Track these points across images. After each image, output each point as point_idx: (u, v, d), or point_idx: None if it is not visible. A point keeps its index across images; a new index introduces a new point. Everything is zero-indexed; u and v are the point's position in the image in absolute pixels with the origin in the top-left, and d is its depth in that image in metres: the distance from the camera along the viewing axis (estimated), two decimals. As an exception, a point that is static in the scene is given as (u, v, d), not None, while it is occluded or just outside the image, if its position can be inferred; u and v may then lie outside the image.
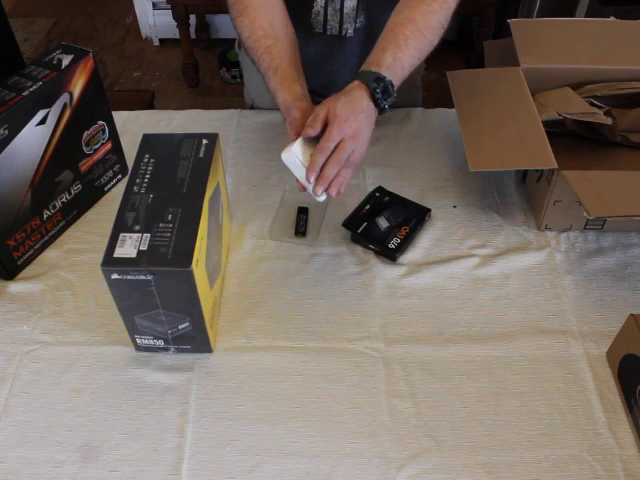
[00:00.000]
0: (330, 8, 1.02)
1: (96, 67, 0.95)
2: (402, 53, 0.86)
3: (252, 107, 1.29)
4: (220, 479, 0.74)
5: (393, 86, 0.85)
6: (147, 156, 0.86)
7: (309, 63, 1.13)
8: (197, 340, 0.83)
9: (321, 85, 1.19)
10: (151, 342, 0.83)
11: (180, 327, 0.80)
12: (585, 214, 0.83)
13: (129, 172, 0.86)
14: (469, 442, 0.76)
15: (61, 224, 1.00)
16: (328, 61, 1.12)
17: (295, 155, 0.81)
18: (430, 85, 1.14)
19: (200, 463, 0.75)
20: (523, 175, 1.08)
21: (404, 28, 0.88)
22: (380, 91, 0.83)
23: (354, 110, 0.81)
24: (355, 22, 1.03)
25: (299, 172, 0.82)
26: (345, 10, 1.02)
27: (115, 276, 0.72)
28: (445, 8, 0.93)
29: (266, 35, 0.93)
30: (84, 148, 0.99)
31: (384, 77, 0.83)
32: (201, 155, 0.86)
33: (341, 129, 0.79)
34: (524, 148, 0.93)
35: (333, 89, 1.17)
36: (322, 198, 0.82)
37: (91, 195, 1.05)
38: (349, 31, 1.05)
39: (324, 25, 1.04)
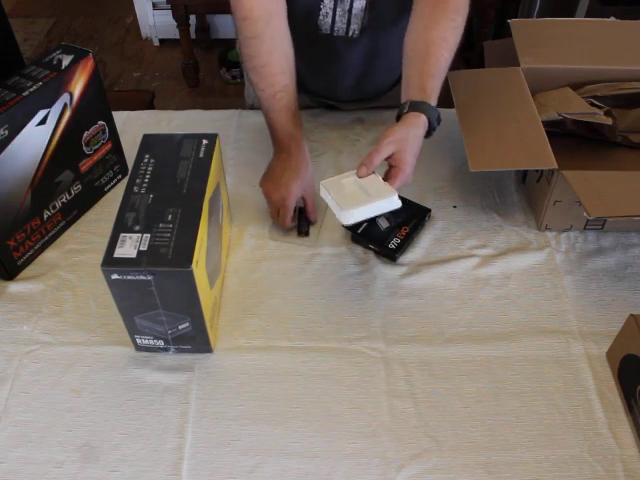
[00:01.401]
0: (339, 9, 1.02)
1: (96, 67, 0.95)
2: (442, 77, 0.91)
3: (252, 107, 1.29)
4: (220, 479, 0.74)
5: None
6: (147, 156, 0.86)
7: (314, 64, 1.13)
8: (197, 340, 0.83)
9: (324, 85, 1.19)
10: (151, 342, 0.83)
11: (180, 327, 0.80)
12: (585, 214, 0.83)
13: (129, 172, 0.86)
14: (469, 442, 0.76)
15: (61, 224, 1.00)
16: (333, 62, 1.12)
17: (352, 209, 0.83)
18: (430, 85, 1.13)
19: (200, 463, 0.75)
20: (523, 175, 1.08)
21: (441, 49, 0.91)
22: (436, 127, 0.90)
23: (416, 154, 0.87)
24: (362, 23, 1.03)
25: (367, 213, 0.84)
26: (354, 11, 1.02)
27: (115, 276, 0.72)
28: (465, 21, 0.96)
29: (283, 72, 0.96)
30: (84, 148, 0.99)
31: (439, 112, 0.89)
32: (201, 155, 0.86)
33: (405, 180, 0.86)
34: (524, 148, 0.93)
35: (335, 89, 1.18)
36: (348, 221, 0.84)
37: (91, 195, 1.05)
38: (355, 32, 1.05)
39: (331, 26, 1.04)
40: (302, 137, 0.98)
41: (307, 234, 0.99)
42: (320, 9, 1.03)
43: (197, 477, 0.74)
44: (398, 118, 0.89)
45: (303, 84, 1.20)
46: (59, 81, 0.90)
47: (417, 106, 0.87)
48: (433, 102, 0.88)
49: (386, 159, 0.86)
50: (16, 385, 0.82)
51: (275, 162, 0.98)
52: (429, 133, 0.89)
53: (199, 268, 0.75)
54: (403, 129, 0.86)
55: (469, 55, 2.56)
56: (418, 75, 0.90)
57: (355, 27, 1.04)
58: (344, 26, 1.04)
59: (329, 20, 1.04)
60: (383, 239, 0.96)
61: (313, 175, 0.98)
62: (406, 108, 0.87)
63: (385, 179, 0.85)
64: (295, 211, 0.99)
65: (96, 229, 1.02)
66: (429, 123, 0.88)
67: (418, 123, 0.86)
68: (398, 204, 0.83)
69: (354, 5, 1.01)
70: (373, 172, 0.85)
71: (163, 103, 2.43)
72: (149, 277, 0.72)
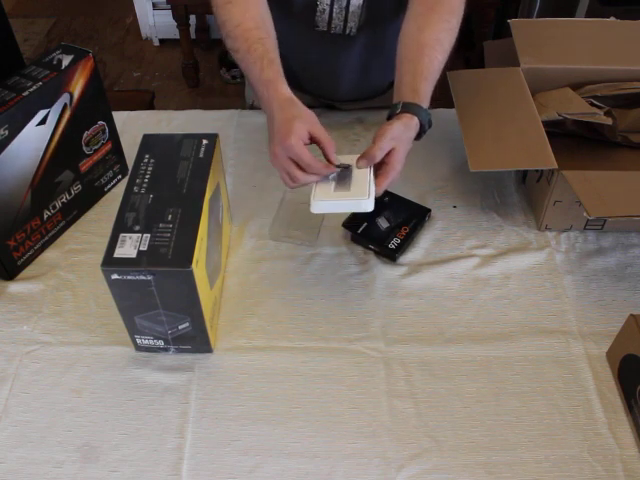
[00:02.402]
0: (336, 6, 1.02)
1: (96, 67, 0.95)
2: (435, 79, 0.90)
3: (252, 107, 1.29)
4: (220, 479, 0.74)
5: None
6: (147, 156, 0.86)
7: (311, 62, 1.13)
8: (197, 340, 0.83)
9: (322, 84, 1.19)
10: (151, 342, 0.83)
11: (180, 327, 0.80)
12: (585, 214, 0.83)
13: (129, 172, 0.86)
14: (469, 442, 0.76)
15: (61, 224, 1.00)
16: (330, 60, 1.12)
17: (321, 202, 0.82)
18: (430, 85, 1.13)
19: (200, 463, 0.75)
20: (523, 175, 1.08)
21: (435, 51, 0.90)
22: (427, 130, 0.89)
23: (406, 154, 0.86)
24: (359, 21, 1.03)
25: (335, 208, 0.84)
26: (351, 8, 1.02)
27: (115, 276, 0.72)
28: (459, 23, 0.95)
29: (258, 27, 0.91)
30: (84, 148, 0.99)
31: (430, 115, 0.88)
32: (201, 155, 0.86)
33: (395, 178, 0.84)
34: (524, 148, 0.93)
35: (333, 88, 1.18)
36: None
37: (91, 195, 1.05)
38: (353, 30, 1.05)
39: (329, 23, 1.04)
40: (283, 83, 0.86)
41: (349, 188, 0.83)
42: (317, 6, 1.03)
43: (197, 477, 0.74)
44: (389, 118, 0.88)
45: (302, 83, 1.20)
46: (59, 81, 0.90)
47: (410, 108, 0.86)
48: (425, 105, 0.88)
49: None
50: (16, 385, 0.82)
51: (268, 125, 0.86)
52: (419, 136, 0.89)
53: (199, 268, 0.75)
54: (401, 127, 0.85)
55: (469, 55, 2.56)
56: (411, 76, 0.89)
57: (352, 24, 1.04)
58: (341, 23, 1.04)
59: (326, 17, 1.04)
60: (383, 239, 0.96)
61: (313, 113, 0.85)
62: (399, 108, 0.87)
63: (376, 176, 0.84)
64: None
65: (96, 229, 1.02)
66: (420, 126, 0.87)
67: (411, 125, 0.86)
68: (368, 208, 0.81)
69: (351, 2, 1.01)
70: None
71: (163, 103, 2.43)
72: (149, 277, 0.72)
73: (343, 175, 0.84)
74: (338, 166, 0.84)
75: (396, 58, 0.93)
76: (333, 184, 0.84)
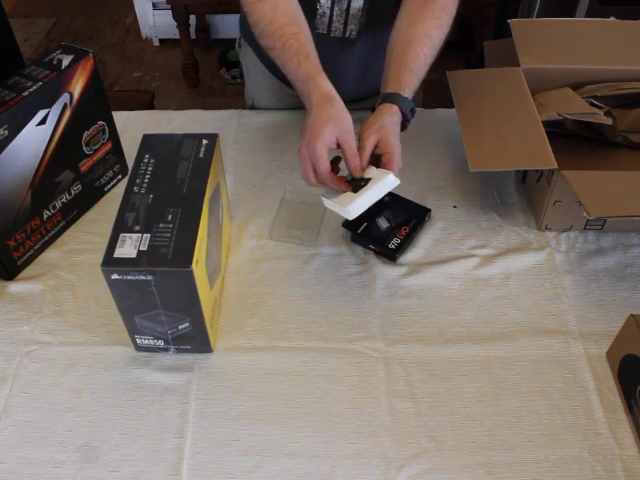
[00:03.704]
0: (337, 8, 1.02)
1: (96, 67, 0.95)
2: (421, 72, 0.91)
3: (252, 107, 1.29)
4: (220, 479, 0.74)
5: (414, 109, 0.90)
6: (147, 156, 0.86)
7: None
8: (197, 340, 0.83)
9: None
10: (151, 342, 0.83)
11: (180, 327, 0.80)
12: (585, 214, 0.83)
13: (129, 172, 0.86)
14: (469, 442, 0.76)
15: (61, 224, 1.00)
16: (330, 63, 1.11)
17: (353, 204, 0.83)
18: (430, 85, 1.14)
19: (200, 463, 0.75)
20: (523, 175, 1.08)
21: (423, 45, 0.91)
22: (410, 118, 0.89)
23: (398, 137, 0.85)
24: (359, 24, 1.03)
25: (367, 202, 0.84)
26: (351, 11, 1.02)
27: (115, 276, 0.72)
28: (451, 20, 0.96)
29: (291, 22, 0.91)
30: (84, 148, 0.99)
31: (413, 103, 0.89)
32: (201, 155, 0.86)
33: (399, 162, 0.83)
34: (524, 148, 0.93)
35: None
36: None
37: (91, 195, 1.05)
38: (353, 33, 1.05)
39: (329, 26, 1.04)
40: (322, 77, 0.87)
41: (365, 183, 0.83)
42: (317, 9, 1.03)
43: (197, 477, 0.74)
44: (372, 111, 0.89)
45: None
46: (59, 81, 0.90)
47: (389, 97, 0.88)
48: (407, 94, 0.88)
49: (374, 151, 0.85)
50: (16, 385, 0.82)
51: (304, 119, 0.87)
52: (404, 125, 0.89)
53: (199, 268, 0.75)
54: (378, 118, 0.86)
55: (469, 55, 2.56)
56: (396, 68, 0.90)
57: (352, 28, 1.04)
58: (341, 26, 1.04)
59: (326, 20, 1.04)
60: (383, 239, 0.96)
61: (349, 117, 0.85)
62: (379, 100, 0.88)
63: (381, 168, 0.85)
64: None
65: (96, 229, 1.02)
66: (403, 114, 0.87)
67: (391, 111, 0.86)
68: (396, 182, 0.83)
69: (351, 5, 1.01)
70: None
71: (163, 103, 2.43)
72: (149, 277, 0.72)
73: (350, 182, 0.86)
74: (352, 180, 0.85)
75: (386, 54, 0.94)
76: (348, 192, 0.85)
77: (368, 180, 0.84)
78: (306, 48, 0.89)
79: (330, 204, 0.87)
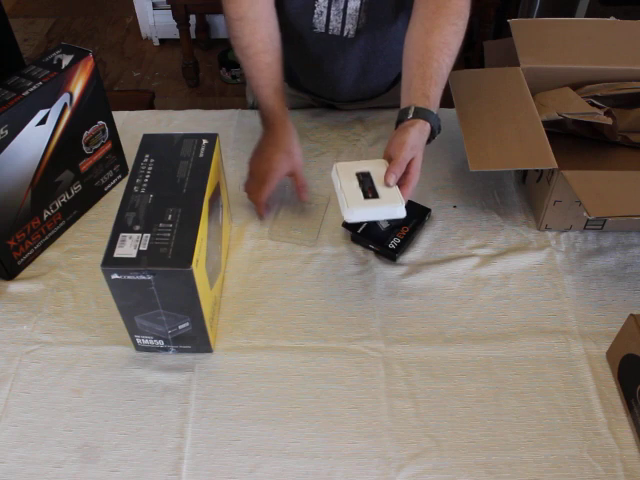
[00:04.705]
0: (334, 8, 1.02)
1: (96, 67, 0.95)
2: (443, 83, 0.91)
3: (252, 107, 1.29)
4: (220, 479, 0.74)
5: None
6: (147, 156, 0.86)
7: (309, 63, 1.13)
8: (197, 340, 0.83)
9: (322, 85, 1.19)
10: (151, 342, 0.83)
11: (180, 327, 0.80)
12: (585, 214, 0.83)
13: (129, 172, 0.86)
14: (469, 442, 0.76)
15: (61, 224, 1.00)
16: (328, 62, 1.12)
17: (356, 210, 0.84)
18: (430, 85, 1.13)
19: (200, 463, 0.75)
20: (523, 175, 1.08)
21: (445, 55, 0.91)
22: (437, 136, 0.91)
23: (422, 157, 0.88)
24: (357, 23, 1.03)
25: (369, 216, 0.87)
26: (348, 11, 1.02)
27: (115, 276, 0.72)
28: (466, 25, 0.96)
29: (266, 50, 0.98)
30: (84, 148, 0.99)
31: (440, 120, 0.90)
32: (201, 155, 0.86)
33: (414, 187, 0.87)
34: (524, 148, 0.93)
35: (333, 89, 1.18)
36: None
37: (91, 195, 1.05)
38: (350, 32, 1.05)
39: (326, 25, 1.04)
40: (284, 113, 1.00)
41: (377, 195, 0.84)
42: (315, 7, 1.03)
43: (197, 477, 0.74)
44: (400, 122, 0.88)
45: (302, 83, 1.20)
46: (59, 81, 0.90)
47: (422, 113, 0.86)
48: (436, 110, 0.88)
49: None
50: (16, 385, 0.82)
51: (261, 139, 1.02)
52: (428, 141, 0.90)
53: (199, 268, 0.75)
54: (418, 135, 0.86)
55: (469, 55, 2.56)
56: (420, 80, 0.89)
57: (350, 27, 1.04)
58: (339, 25, 1.04)
59: (323, 19, 1.04)
60: (383, 239, 0.96)
61: (301, 153, 1.00)
62: (410, 114, 0.86)
63: (398, 185, 0.85)
64: (275, 203, 1.02)
65: (96, 229, 1.02)
66: (431, 132, 0.88)
67: (424, 129, 0.86)
68: (402, 214, 0.83)
69: (348, 5, 1.01)
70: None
71: (163, 103, 2.43)
72: (149, 277, 0.72)
73: (365, 182, 0.85)
74: (358, 174, 0.86)
75: (403, 60, 0.93)
76: (360, 192, 0.84)
77: (367, 174, 0.85)
78: (275, 81, 0.99)
79: (337, 185, 0.86)
